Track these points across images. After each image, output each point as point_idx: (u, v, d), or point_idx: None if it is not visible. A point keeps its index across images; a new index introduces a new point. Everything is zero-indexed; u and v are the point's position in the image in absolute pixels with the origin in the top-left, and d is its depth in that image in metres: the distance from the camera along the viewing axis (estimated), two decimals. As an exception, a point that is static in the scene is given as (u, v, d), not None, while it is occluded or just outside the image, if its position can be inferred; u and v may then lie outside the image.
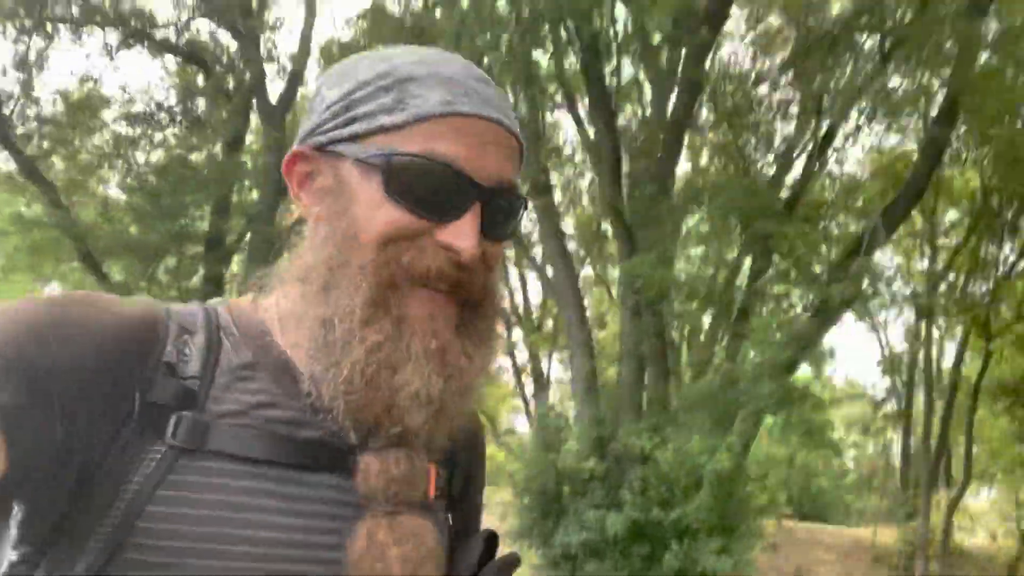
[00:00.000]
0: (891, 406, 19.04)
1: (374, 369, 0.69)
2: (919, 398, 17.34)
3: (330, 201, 0.73)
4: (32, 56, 10.90)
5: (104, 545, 0.65)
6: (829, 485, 28.21)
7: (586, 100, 10.40)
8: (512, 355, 17.43)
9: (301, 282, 0.74)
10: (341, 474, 0.73)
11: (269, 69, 12.37)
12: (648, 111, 10.84)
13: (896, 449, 20.14)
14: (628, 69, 10.80)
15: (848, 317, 11.64)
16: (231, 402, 0.71)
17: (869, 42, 9.88)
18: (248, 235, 12.35)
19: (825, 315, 8.53)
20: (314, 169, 0.76)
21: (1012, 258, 14.21)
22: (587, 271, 18.20)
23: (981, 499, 20.98)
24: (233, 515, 0.67)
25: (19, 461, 0.59)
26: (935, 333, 16.61)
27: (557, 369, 21.42)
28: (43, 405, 0.62)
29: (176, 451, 0.67)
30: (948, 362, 16.46)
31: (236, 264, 13.05)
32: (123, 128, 12.37)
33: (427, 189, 0.70)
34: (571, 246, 14.60)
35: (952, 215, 14.93)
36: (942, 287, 14.57)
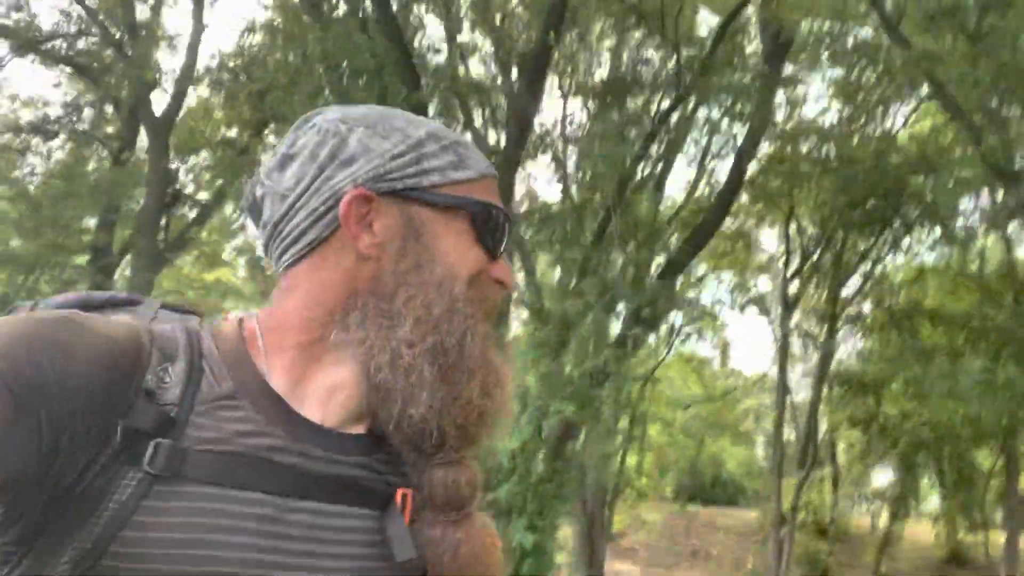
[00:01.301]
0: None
1: (495, 388, 0.77)
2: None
3: (406, 240, 0.78)
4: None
5: (75, 564, 0.65)
6: (739, 471, 29.69)
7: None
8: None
9: (352, 316, 0.76)
10: (320, 500, 0.73)
11: (155, 80, 12.68)
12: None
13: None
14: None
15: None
16: (211, 429, 0.71)
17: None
18: (134, 244, 12.62)
19: (634, 333, 9.58)
20: (372, 210, 0.78)
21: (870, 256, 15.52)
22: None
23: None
24: (208, 538, 0.67)
25: (2, 475, 0.60)
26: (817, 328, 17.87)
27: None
28: (28, 421, 0.62)
29: (152, 478, 0.67)
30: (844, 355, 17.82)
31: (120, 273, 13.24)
32: (7, 138, 12.60)
33: (497, 232, 0.81)
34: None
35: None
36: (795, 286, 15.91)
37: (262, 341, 0.78)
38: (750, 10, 10.55)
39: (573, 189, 11.98)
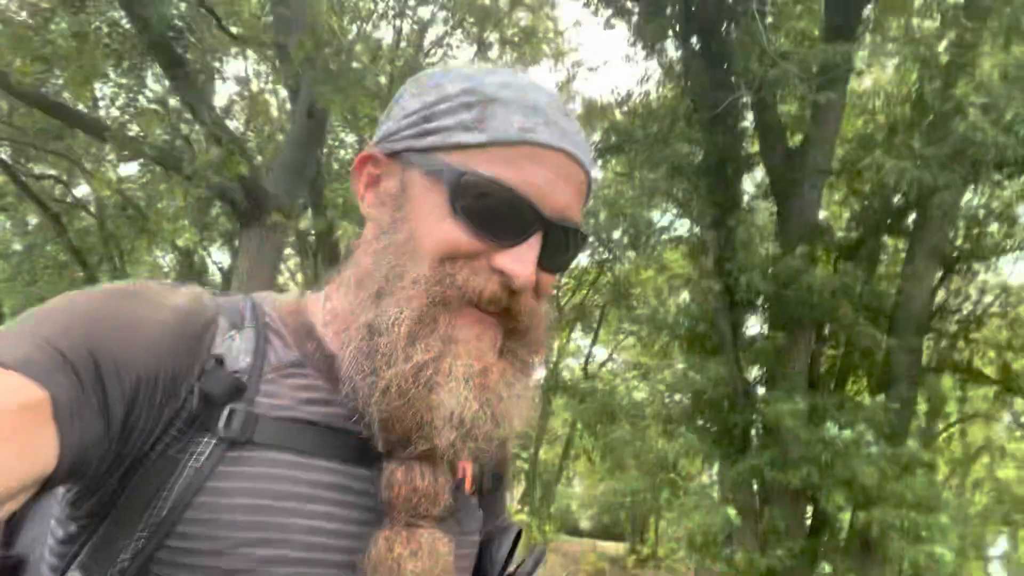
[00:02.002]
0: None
1: (412, 386, 0.67)
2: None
3: (392, 207, 0.73)
4: None
5: (152, 533, 0.64)
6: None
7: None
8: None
9: (356, 286, 0.73)
10: (379, 471, 0.72)
11: None
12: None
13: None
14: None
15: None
16: (280, 397, 0.70)
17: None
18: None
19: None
20: (383, 172, 0.76)
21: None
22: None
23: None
24: (280, 505, 0.66)
25: (69, 455, 0.59)
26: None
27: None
28: (98, 399, 0.60)
29: (226, 443, 0.67)
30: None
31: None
32: None
33: (492, 212, 0.69)
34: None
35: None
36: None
37: (323, 310, 0.78)
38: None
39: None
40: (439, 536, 0.72)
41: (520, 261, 0.70)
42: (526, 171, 0.70)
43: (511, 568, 0.84)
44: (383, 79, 10.12)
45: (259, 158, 10.91)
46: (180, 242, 13.43)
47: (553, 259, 0.73)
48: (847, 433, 6.77)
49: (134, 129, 10.02)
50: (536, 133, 0.71)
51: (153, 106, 10.13)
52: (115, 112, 10.16)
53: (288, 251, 14.72)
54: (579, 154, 0.74)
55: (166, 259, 14.61)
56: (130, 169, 12.23)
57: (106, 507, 0.66)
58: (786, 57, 7.71)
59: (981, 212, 9.62)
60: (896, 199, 8.59)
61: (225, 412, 0.67)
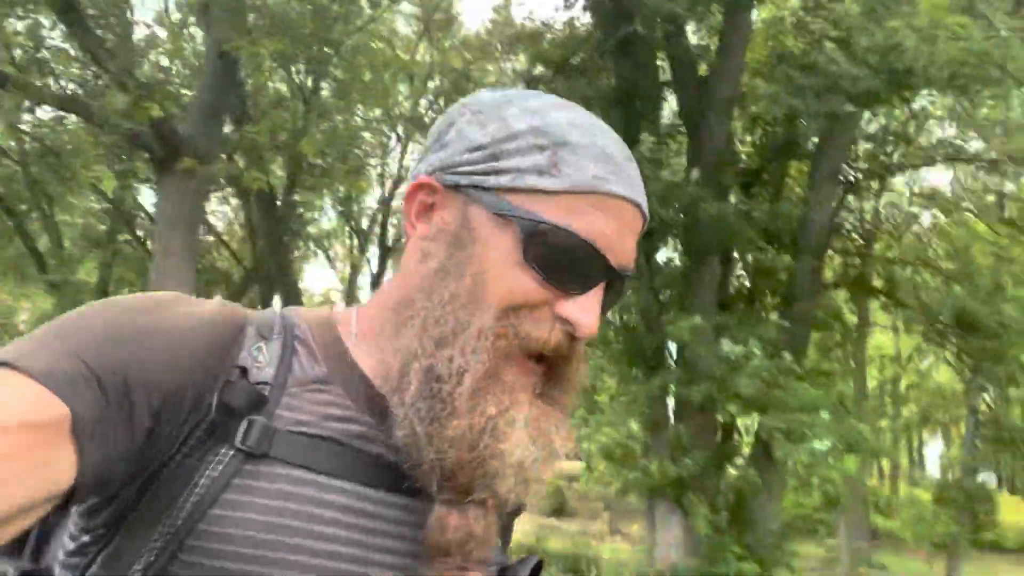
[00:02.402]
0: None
1: (481, 437, 0.67)
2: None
3: (453, 244, 0.71)
4: None
5: (165, 545, 0.64)
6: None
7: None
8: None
9: (419, 326, 0.70)
10: (405, 495, 0.71)
11: None
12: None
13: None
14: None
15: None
16: (302, 411, 0.69)
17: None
18: None
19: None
20: (437, 203, 0.74)
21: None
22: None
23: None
24: (295, 524, 0.65)
25: (92, 471, 0.58)
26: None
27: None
28: (121, 413, 0.60)
29: (243, 455, 0.66)
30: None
31: None
32: None
33: (564, 262, 0.69)
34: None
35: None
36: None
37: (355, 328, 0.77)
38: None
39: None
40: None
41: (586, 311, 0.70)
42: (599, 221, 0.70)
43: None
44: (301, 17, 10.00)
45: (187, 94, 10.72)
46: (105, 188, 13.20)
47: (606, 303, 0.74)
48: (739, 349, 7.30)
49: (37, 76, 9.80)
50: (610, 183, 0.70)
51: (65, 45, 9.90)
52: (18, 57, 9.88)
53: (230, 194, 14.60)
54: (644, 205, 0.74)
55: (99, 206, 14.31)
56: (47, 114, 11.92)
57: (121, 518, 0.66)
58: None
59: (880, 133, 10.12)
60: (796, 125, 8.96)
61: (243, 424, 0.67)
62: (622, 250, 0.72)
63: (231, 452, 0.66)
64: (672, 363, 9.11)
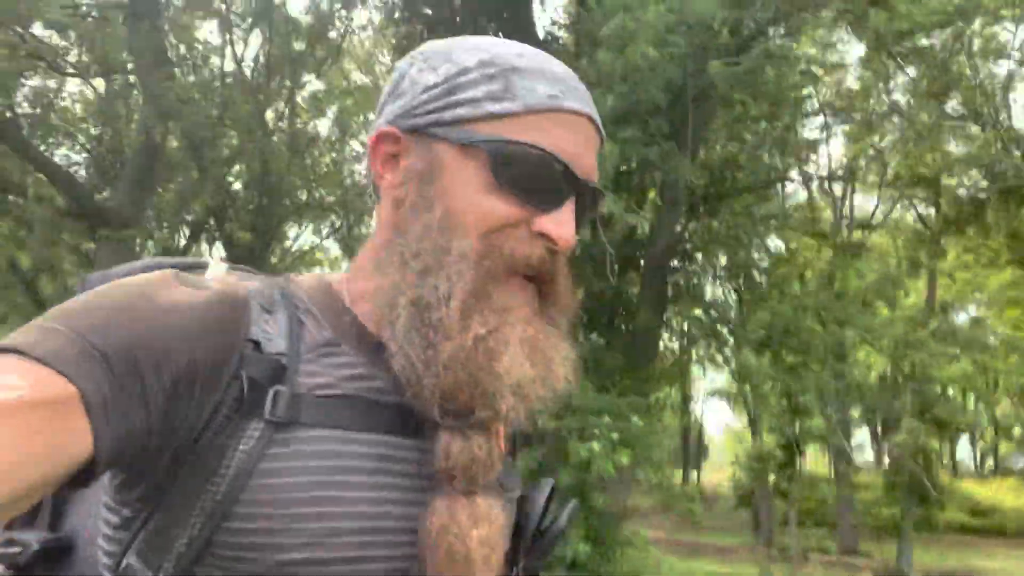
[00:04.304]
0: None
1: (474, 356, 0.69)
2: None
3: (422, 184, 0.73)
4: None
5: (208, 518, 0.66)
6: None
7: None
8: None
9: (398, 264, 0.73)
10: (425, 441, 0.74)
11: None
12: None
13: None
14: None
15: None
16: (320, 375, 0.72)
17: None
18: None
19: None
20: (401, 150, 0.76)
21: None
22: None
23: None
24: (331, 480, 0.68)
25: (106, 449, 0.59)
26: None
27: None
28: (133, 390, 0.61)
29: (273, 426, 0.68)
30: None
31: None
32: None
33: (534, 179, 0.71)
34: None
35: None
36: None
37: (347, 286, 0.80)
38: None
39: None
40: (493, 502, 0.74)
41: (561, 224, 0.73)
42: (559, 136, 0.73)
43: (545, 523, 0.85)
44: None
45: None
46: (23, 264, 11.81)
47: (579, 219, 0.76)
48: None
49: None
50: (564, 99, 0.74)
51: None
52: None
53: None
54: (599, 120, 0.78)
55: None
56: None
57: (157, 494, 0.67)
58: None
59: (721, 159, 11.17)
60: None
61: (270, 395, 0.68)
62: (584, 162, 0.75)
63: (261, 424, 0.68)
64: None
